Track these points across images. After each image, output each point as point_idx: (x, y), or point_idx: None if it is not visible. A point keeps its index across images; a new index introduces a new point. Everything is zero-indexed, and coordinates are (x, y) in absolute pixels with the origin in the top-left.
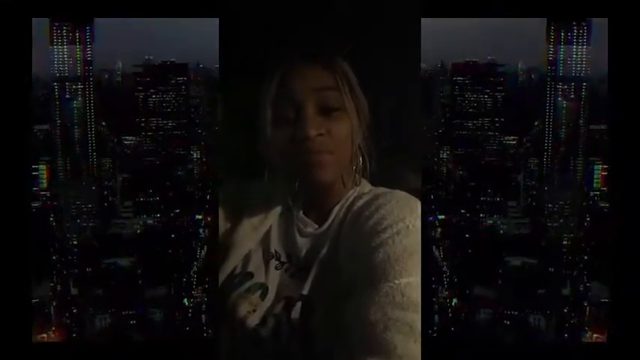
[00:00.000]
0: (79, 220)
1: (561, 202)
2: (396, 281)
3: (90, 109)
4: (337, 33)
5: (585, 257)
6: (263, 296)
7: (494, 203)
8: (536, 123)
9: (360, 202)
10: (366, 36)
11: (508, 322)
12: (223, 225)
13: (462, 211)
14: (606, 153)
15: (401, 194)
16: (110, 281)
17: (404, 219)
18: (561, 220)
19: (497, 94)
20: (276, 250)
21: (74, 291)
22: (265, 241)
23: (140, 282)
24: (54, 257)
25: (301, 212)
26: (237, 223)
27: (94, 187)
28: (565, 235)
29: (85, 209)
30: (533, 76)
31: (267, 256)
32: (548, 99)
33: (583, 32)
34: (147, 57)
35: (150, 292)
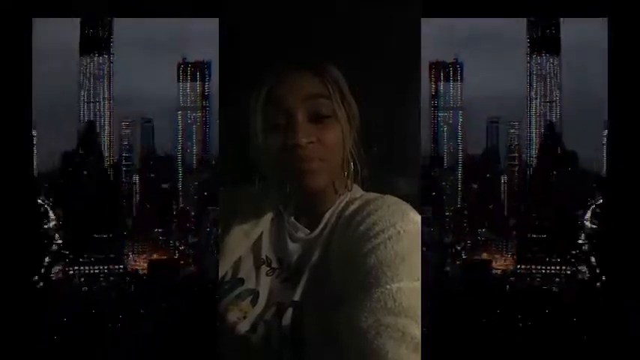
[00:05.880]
0: None
1: None
2: (388, 287)
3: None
4: (336, 37)
5: None
6: (254, 302)
7: None
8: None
9: (352, 208)
10: (364, 39)
11: None
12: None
13: None
14: None
15: (392, 199)
16: None
17: (395, 224)
18: None
19: None
20: (267, 256)
21: None
22: (256, 246)
23: None
24: None
25: (292, 218)
26: (229, 229)
27: None
28: None
29: None
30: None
31: (258, 262)
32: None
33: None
34: None
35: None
